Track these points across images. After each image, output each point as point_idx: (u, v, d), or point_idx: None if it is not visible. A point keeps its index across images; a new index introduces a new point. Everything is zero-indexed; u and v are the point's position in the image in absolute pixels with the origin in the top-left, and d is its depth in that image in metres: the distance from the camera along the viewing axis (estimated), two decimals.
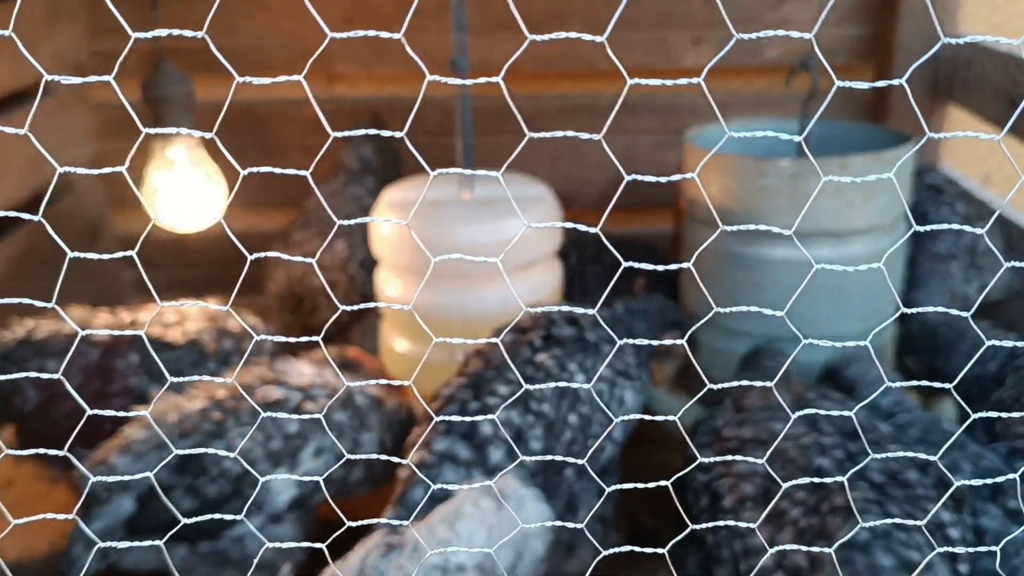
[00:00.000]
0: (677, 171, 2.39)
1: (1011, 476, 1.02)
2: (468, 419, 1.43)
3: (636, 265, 0.88)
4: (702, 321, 1.12)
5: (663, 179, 0.85)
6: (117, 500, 1.47)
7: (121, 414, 0.86)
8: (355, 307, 0.81)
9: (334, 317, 1.15)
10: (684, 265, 0.91)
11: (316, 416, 1.49)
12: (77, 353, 1.71)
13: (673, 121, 2.72)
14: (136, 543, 1.06)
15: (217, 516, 1.22)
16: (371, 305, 0.86)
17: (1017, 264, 0.87)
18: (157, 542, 1.07)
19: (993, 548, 1.16)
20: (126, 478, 1.30)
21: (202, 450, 1.42)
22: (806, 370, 1.88)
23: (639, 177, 0.85)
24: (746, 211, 1.91)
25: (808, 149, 2.11)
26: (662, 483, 0.77)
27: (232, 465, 1.49)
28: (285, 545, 1.12)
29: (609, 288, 0.95)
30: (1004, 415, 1.35)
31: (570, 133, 0.77)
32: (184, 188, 1.87)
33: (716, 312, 0.98)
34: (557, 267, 2.12)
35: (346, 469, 1.61)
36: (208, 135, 0.73)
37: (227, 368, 1.81)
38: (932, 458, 1.14)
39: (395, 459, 1.11)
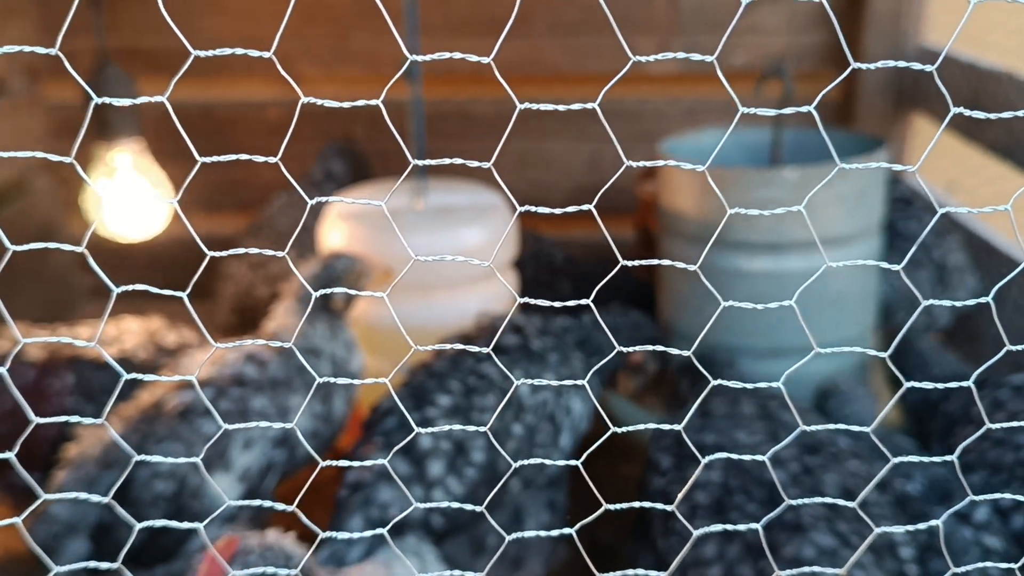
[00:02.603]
0: (641, 178, 2.36)
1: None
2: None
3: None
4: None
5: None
6: (69, 544, 1.43)
7: (62, 418, 0.81)
8: None
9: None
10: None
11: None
12: (14, 373, 1.64)
13: (639, 127, 2.69)
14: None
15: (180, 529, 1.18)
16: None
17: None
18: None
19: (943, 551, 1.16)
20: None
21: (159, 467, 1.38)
22: (795, 380, 1.83)
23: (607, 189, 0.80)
24: (733, 223, 1.77)
25: (781, 158, 2.08)
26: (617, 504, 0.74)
27: (163, 486, 1.45)
28: None
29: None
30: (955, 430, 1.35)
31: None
32: (127, 196, 1.82)
33: (690, 324, 0.94)
34: (512, 278, 2.09)
35: (288, 450, 1.55)
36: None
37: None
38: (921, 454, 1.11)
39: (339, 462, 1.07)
